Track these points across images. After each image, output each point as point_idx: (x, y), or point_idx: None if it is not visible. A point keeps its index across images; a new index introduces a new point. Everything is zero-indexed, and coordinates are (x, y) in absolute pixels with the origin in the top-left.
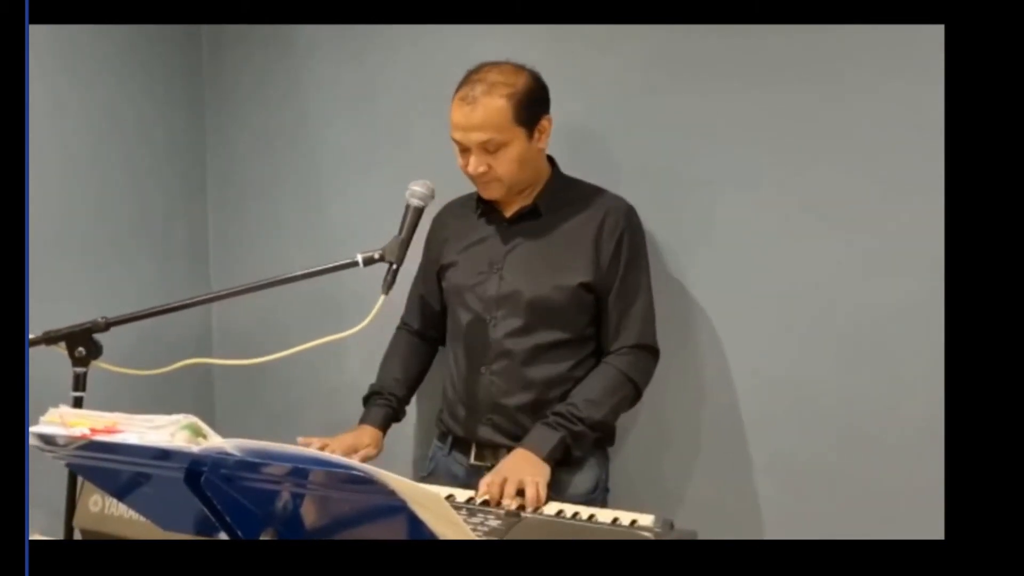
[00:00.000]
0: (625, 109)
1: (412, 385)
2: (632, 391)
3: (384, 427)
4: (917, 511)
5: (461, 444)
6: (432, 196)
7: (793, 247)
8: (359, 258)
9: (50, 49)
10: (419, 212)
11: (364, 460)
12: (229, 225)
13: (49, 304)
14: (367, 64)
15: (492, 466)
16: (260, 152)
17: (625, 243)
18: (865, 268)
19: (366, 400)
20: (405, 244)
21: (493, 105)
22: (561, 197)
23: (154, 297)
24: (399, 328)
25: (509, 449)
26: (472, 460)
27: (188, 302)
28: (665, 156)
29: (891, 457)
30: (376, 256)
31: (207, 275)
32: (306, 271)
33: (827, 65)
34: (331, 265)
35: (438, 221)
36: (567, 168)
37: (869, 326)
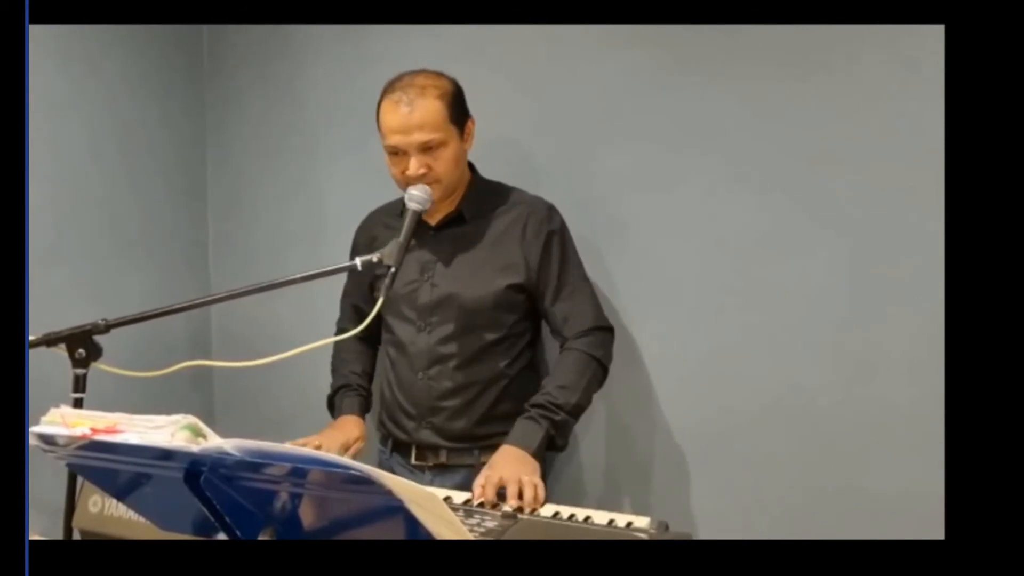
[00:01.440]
0: (607, 109)
1: (369, 380)
2: (599, 369)
3: (363, 416)
4: (908, 506)
5: (401, 447)
6: (431, 200)
7: (762, 242)
8: (357, 261)
9: (50, 49)
10: (417, 216)
11: (357, 454)
12: (229, 227)
13: (49, 306)
14: (367, 64)
15: (433, 466)
16: (260, 154)
17: (554, 243)
18: (836, 259)
19: (334, 396)
20: (403, 248)
21: (430, 106)
22: (484, 201)
23: (154, 299)
24: (337, 334)
25: (449, 451)
26: (413, 461)
27: (188, 304)
28: (653, 157)
29: (871, 446)
30: (374, 259)
31: (207, 277)
32: (305, 274)
33: (826, 65)
34: (330, 268)
35: (364, 231)
36: (533, 172)
37: (841, 313)
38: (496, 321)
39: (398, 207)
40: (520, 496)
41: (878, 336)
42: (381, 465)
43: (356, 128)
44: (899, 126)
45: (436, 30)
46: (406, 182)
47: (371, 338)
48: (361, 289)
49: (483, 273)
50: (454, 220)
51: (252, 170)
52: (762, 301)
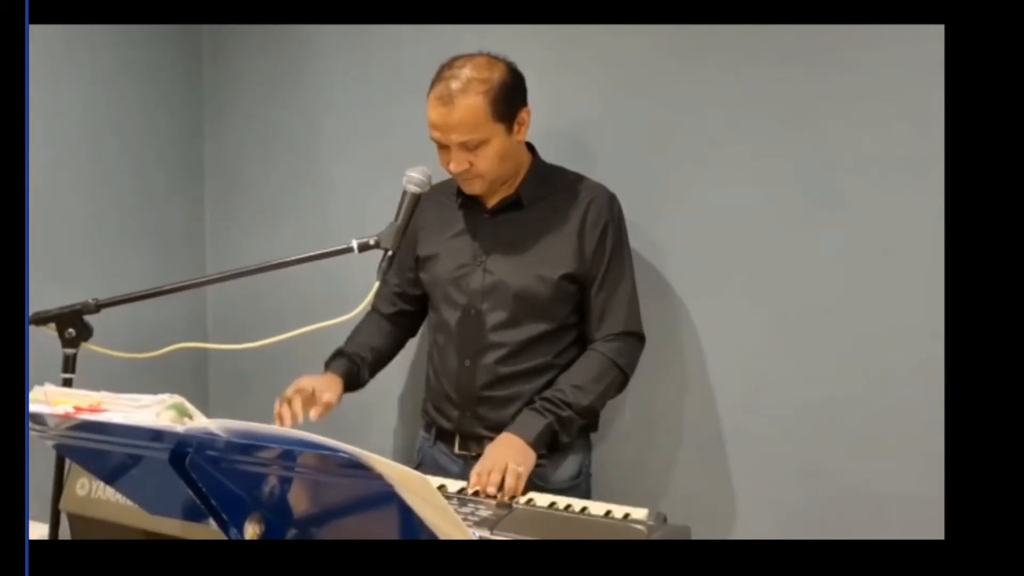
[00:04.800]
0: (619, 98)
1: (376, 356)
2: (619, 377)
3: (344, 378)
4: (910, 507)
5: (445, 435)
6: (429, 182)
7: (783, 240)
8: (354, 244)
9: (48, 36)
10: (416, 198)
11: (325, 406)
12: (226, 217)
13: (47, 292)
14: (369, 51)
15: (476, 456)
16: (257, 143)
17: (610, 233)
18: (857, 263)
19: (329, 360)
20: (400, 230)
21: (470, 104)
22: (543, 186)
23: (151, 286)
24: (368, 312)
25: (492, 440)
26: (456, 450)
27: (181, 284)
28: (660, 149)
29: (879, 452)
30: (371, 242)
31: (203, 265)
32: (300, 256)
33: (827, 64)
34: (326, 251)
35: (419, 211)
36: (560, 159)
37: (858, 319)
38: (548, 312)
39: (451, 189)
40: (501, 486)
41: (888, 340)
42: (423, 452)
43: (357, 114)
44: (900, 127)
45: (436, 28)
46: (451, 174)
47: (400, 321)
48: (402, 268)
49: (538, 261)
50: (511, 205)
51: (250, 157)
52: (768, 300)
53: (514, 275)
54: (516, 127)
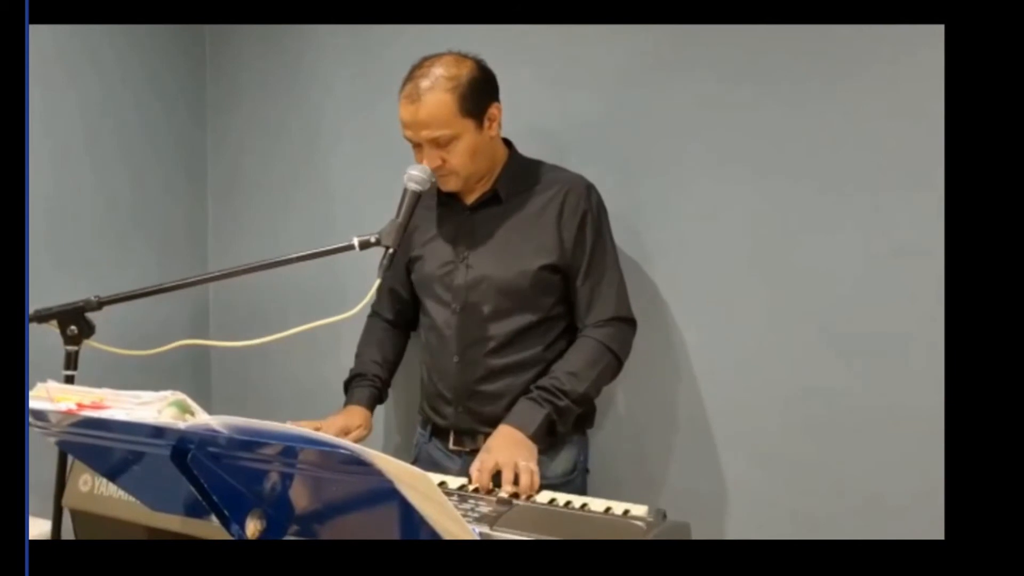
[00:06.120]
0: (618, 98)
1: (390, 369)
2: (613, 361)
3: (371, 407)
4: (904, 500)
5: (440, 431)
6: (430, 181)
7: (782, 239)
8: (355, 241)
9: (47, 34)
10: (417, 196)
11: (357, 441)
12: (228, 215)
13: (48, 290)
14: (369, 48)
15: (470, 451)
16: (259, 141)
17: (589, 222)
18: (855, 261)
19: (348, 384)
20: (401, 228)
21: (437, 100)
22: (521, 180)
23: (152, 283)
24: (370, 316)
25: (486, 435)
26: (451, 446)
27: (183, 282)
28: (659, 149)
29: (879, 450)
30: (372, 240)
31: (205, 262)
32: (301, 253)
33: (827, 65)
34: (327, 248)
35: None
36: (557, 158)
37: (857, 316)
38: (533, 303)
39: (433, 189)
40: (516, 482)
41: (887, 338)
42: (420, 448)
43: (358, 113)
44: (899, 126)
45: (437, 27)
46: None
47: (403, 323)
48: (397, 271)
49: (519, 254)
50: (490, 200)
51: (252, 155)
52: (768, 299)
53: (496, 268)
54: (487, 123)
